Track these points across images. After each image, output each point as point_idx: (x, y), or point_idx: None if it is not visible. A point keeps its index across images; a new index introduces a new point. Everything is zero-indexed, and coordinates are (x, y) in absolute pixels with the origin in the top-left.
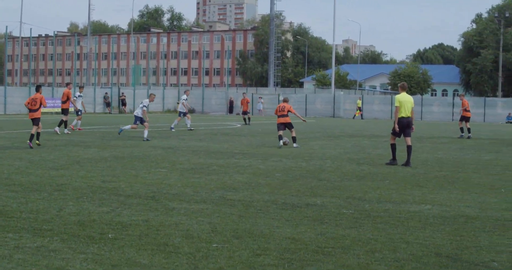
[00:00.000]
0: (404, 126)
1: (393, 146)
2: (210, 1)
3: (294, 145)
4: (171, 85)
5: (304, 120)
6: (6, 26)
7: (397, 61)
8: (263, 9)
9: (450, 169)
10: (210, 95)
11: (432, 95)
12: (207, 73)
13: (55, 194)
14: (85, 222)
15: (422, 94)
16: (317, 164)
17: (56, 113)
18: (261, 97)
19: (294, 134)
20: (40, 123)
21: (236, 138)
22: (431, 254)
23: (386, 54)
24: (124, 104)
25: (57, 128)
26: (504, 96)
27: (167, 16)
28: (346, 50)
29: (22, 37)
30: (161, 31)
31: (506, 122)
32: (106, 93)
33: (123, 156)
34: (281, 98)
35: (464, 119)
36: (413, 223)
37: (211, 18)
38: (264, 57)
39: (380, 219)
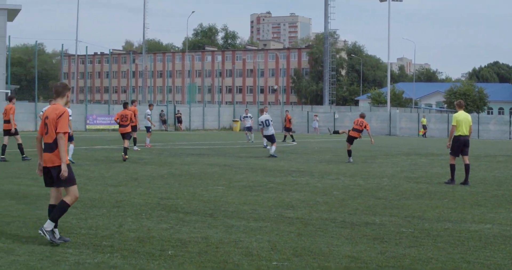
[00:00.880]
0: (461, 145)
1: (453, 167)
2: (264, 19)
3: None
4: (226, 103)
5: (372, 141)
6: (62, 44)
7: (453, 79)
8: (317, 27)
9: (508, 188)
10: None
11: (488, 113)
12: (262, 91)
13: (114, 211)
14: (145, 238)
15: (478, 112)
16: (375, 183)
17: (113, 130)
18: (317, 115)
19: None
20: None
21: (292, 155)
22: None
23: (441, 73)
24: (180, 121)
25: (135, 147)
26: None
27: (221, 34)
28: (401, 68)
29: (78, 55)
30: (216, 49)
31: None
32: (162, 110)
33: (181, 174)
34: (359, 113)
35: None
36: (473, 242)
37: (265, 37)
38: (319, 75)
39: (440, 238)
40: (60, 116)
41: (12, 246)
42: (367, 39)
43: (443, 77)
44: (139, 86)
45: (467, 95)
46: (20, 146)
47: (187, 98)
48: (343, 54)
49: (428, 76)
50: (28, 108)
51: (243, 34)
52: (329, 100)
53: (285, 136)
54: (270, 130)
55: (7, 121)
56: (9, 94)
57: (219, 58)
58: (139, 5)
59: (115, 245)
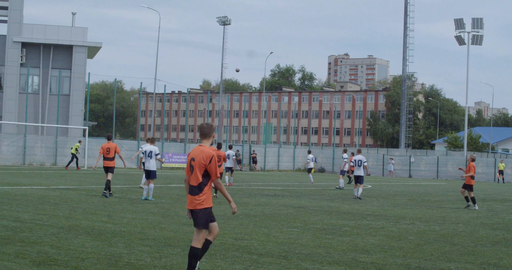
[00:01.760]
0: None
1: None
2: (341, 61)
3: (475, 206)
4: (301, 144)
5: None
6: (141, 82)
7: None
8: (394, 70)
9: None
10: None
11: None
12: (337, 132)
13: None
14: None
15: None
16: (450, 228)
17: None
18: (392, 158)
19: (472, 195)
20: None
21: (367, 199)
22: None
23: None
24: (255, 161)
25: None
26: None
27: (298, 75)
28: (478, 112)
29: (156, 93)
30: (293, 90)
31: None
32: (238, 150)
33: (255, 214)
34: (468, 156)
35: None
36: None
37: (342, 78)
38: (395, 118)
39: None
40: (210, 161)
41: None
42: (445, 82)
43: None
44: (216, 125)
45: None
46: (108, 183)
47: (263, 138)
48: (420, 97)
49: (505, 121)
50: None
51: (321, 75)
52: (405, 143)
53: (349, 177)
54: (361, 171)
55: (110, 159)
56: (108, 133)
57: (296, 99)
58: (218, 44)
59: None
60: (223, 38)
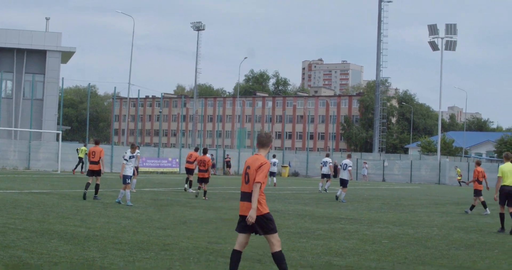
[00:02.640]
0: (506, 195)
1: (501, 216)
2: (315, 66)
3: (486, 212)
4: (275, 148)
5: (487, 188)
6: (115, 87)
7: (503, 129)
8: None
9: None
10: (314, 159)
11: None
12: (311, 137)
13: (162, 254)
14: None
15: None
16: (424, 232)
17: (161, 173)
18: (366, 162)
19: (482, 199)
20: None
21: (341, 203)
22: None
23: (492, 122)
24: (228, 166)
25: (190, 190)
26: None
27: (272, 80)
28: (452, 117)
29: (130, 98)
30: (267, 95)
31: None
32: (212, 154)
33: (229, 218)
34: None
35: None
36: None
37: (316, 84)
38: (369, 122)
39: None
40: (260, 167)
41: None
42: (418, 87)
43: (494, 126)
44: (189, 130)
45: None
46: (97, 187)
47: (237, 142)
48: (394, 102)
49: (479, 125)
50: None
51: (294, 80)
52: (379, 148)
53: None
54: (345, 175)
55: (95, 163)
56: (95, 138)
57: (270, 104)
58: (193, 49)
59: None
60: (197, 43)
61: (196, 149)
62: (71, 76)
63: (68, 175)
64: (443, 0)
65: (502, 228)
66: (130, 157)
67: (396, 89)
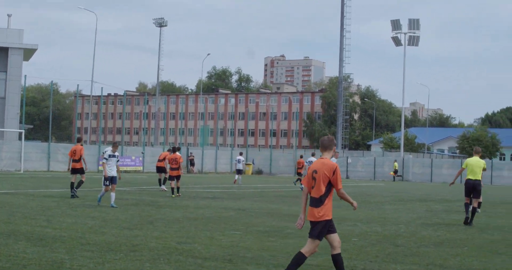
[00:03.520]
0: (470, 187)
1: (466, 205)
2: (278, 63)
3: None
4: (238, 146)
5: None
6: (78, 85)
7: (465, 125)
8: (331, 71)
9: None
10: (278, 157)
11: (500, 159)
12: (274, 134)
13: (131, 255)
14: None
15: (490, 158)
16: (392, 229)
17: (125, 171)
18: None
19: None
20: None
21: None
22: None
23: (454, 118)
24: (192, 164)
25: (163, 186)
26: None
27: (235, 77)
28: (414, 113)
29: (92, 96)
30: (229, 92)
31: None
32: (191, 153)
33: (196, 217)
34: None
35: None
36: None
37: (279, 80)
38: (332, 119)
39: None
40: (334, 173)
41: None
42: (381, 83)
43: (456, 122)
44: (152, 128)
45: (480, 141)
46: (80, 183)
47: (200, 140)
48: (356, 99)
49: (441, 121)
50: (41, 148)
51: (257, 77)
52: (342, 145)
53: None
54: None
55: (76, 161)
56: (78, 136)
57: (233, 101)
58: (154, 46)
59: None
60: (160, 40)
61: (169, 150)
62: (32, 73)
63: (32, 175)
64: None
65: (467, 213)
66: (110, 156)
67: (358, 85)
